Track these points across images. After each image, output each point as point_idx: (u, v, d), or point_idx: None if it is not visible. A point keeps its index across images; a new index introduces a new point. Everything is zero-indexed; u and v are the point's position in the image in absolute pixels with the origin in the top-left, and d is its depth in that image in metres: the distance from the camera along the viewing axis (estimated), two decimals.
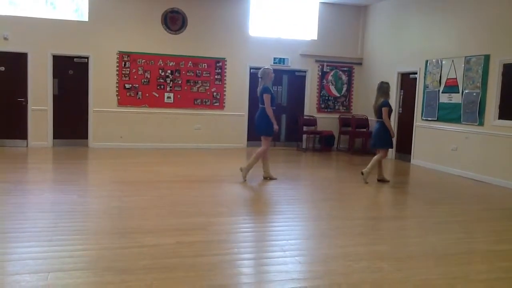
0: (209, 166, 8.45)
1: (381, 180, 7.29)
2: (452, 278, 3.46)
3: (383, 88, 7.18)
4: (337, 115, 11.59)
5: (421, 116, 9.36)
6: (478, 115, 7.93)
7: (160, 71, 10.39)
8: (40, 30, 9.63)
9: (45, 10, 9.76)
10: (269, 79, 6.81)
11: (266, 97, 6.64)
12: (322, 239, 4.36)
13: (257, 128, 6.90)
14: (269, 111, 6.67)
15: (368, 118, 11.15)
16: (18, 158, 8.56)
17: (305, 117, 11.36)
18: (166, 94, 10.46)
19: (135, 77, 10.26)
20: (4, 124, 9.69)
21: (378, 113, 7.13)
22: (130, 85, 10.25)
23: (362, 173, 7.08)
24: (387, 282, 3.35)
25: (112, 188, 6.21)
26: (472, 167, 8.04)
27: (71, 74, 10.08)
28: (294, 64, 11.29)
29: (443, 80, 8.77)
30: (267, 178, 7.05)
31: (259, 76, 6.90)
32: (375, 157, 7.19)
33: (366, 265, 3.65)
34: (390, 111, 7.13)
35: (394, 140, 10.13)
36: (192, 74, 10.60)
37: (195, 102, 10.67)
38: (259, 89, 6.85)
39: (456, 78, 8.47)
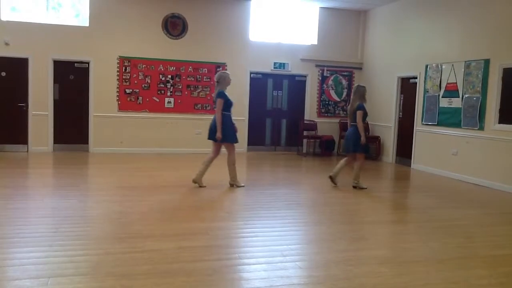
0: (209, 171, 8.43)
1: (332, 178, 7.11)
2: (453, 283, 3.46)
3: (360, 92, 6.98)
4: (337, 120, 11.60)
5: (421, 121, 9.37)
6: (478, 120, 7.94)
7: (160, 76, 10.41)
8: (41, 35, 9.66)
9: (46, 15, 9.80)
10: (226, 83, 6.54)
11: (219, 102, 6.36)
12: (322, 243, 4.35)
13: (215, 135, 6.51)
14: (218, 117, 6.37)
15: (368, 122, 11.15)
16: (19, 163, 8.56)
17: (305, 122, 11.37)
18: (166, 99, 10.48)
19: (136, 82, 10.29)
20: (5, 129, 9.70)
21: (353, 116, 6.97)
22: (131, 90, 10.27)
23: (331, 177, 7.06)
24: (388, 286, 3.35)
25: (112, 193, 6.21)
26: (472, 172, 8.04)
27: (71, 79, 10.10)
28: (294, 68, 11.31)
29: (443, 85, 8.79)
30: (233, 185, 6.75)
31: (215, 80, 6.62)
32: (344, 160, 7.13)
33: (366, 270, 3.64)
34: (364, 115, 6.95)
35: (394, 144, 10.22)
36: (193, 79, 10.63)
37: (196, 107, 10.68)
38: (214, 94, 6.63)
39: (456, 83, 8.48)
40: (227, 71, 6.86)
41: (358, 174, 7.06)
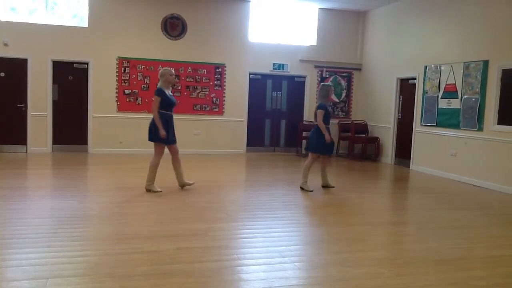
0: (208, 172, 8.45)
1: (326, 186, 7.02)
2: (452, 284, 3.46)
3: (323, 91, 6.83)
4: (336, 121, 11.58)
5: (420, 122, 9.38)
6: (477, 121, 7.94)
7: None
8: (40, 36, 9.66)
9: (45, 16, 9.80)
10: (166, 80, 6.16)
11: (155, 100, 6.07)
12: (321, 245, 4.36)
13: (150, 134, 6.21)
14: (155, 115, 6.05)
15: (368, 123, 11.17)
16: (18, 164, 8.56)
17: (304, 123, 11.36)
18: None
19: (135, 82, 10.29)
20: (4, 130, 9.69)
21: (315, 116, 6.80)
22: (130, 91, 10.27)
23: (324, 186, 6.91)
24: None
25: (111, 194, 6.21)
26: (471, 173, 8.05)
27: (71, 79, 10.10)
28: (293, 69, 11.32)
29: (442, 86, 8.80)
30: (184, 186, 6.55)
31: (158, 76, 6.29)
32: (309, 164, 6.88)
33: (365, 271, 3.65)
34: (326, 114, 6.72)
35: (393, 145, 10.22)
36: (192, 80, 10.63)
37: (195, 108, 10.69)
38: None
39: (455, 84, 8.49)
40: (169, 68, 6.40)
41: (306, 174, 6.86)
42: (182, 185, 6.58)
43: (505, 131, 7.42)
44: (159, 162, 6.33)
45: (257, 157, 10.75)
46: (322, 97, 6.85)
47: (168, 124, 6.19)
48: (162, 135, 6.07)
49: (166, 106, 6.15)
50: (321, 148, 6.77)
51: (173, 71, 6.34)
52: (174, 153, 6.46)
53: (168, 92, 6.25)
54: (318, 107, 6.77)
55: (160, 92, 6.14)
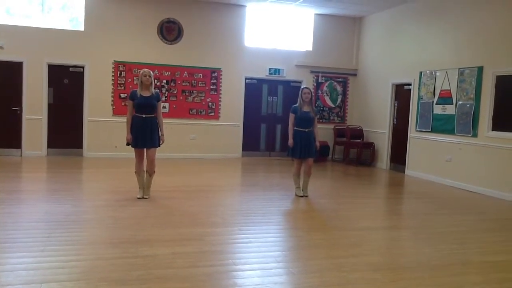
0: (204, 176, 8.44)
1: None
2: None
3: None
4: (332, 126, 11.62)
5: (415, 127, 9.41)
6: (471, 127, 7.98)
7: (155, 81, 10.39)
8: (35, 39, 9.64)
9: (41, 19, 9.78)
10: (140, 82, 6.11)
11: (128, 104, 6.18)
12: (316, 249, 4.35)
13: None
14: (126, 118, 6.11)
15: (363, 128, 11.20)
16: (12, 167, 8.52)
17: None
18: (161, 104, 10.44)
19: (131, 86, 10.24)
20: None
21: None
22: (126, 95, 10.23)
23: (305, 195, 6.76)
24: None
25: (106, 198, 6.19)
26: (466, 178, 8.08)
27: (66, 83, 10.07)
28: (289, 74, 11.34)
29: (437, 92, 8.84)
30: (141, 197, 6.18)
31: None
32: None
33: (360, 276, 3.65)
34: (297, 118, 6.69)
35: (388, 151, 10.25)
36: (188, 84, 10.63)
37: (191, 112, 10.68)
38: None
39: (450, 90, 8.54)
40: (147, 69, 6.24)
41: (295, 179, 6.90)
42: (141, 196, 6.19)
43: (500, 137, 7.46)
44: (138, 167, 6.22)
45: (253, 161, 10.75)
46: (298, 100, 6.82)
47: (139, 128, 6.02)
48: (126, 139, 6.08)
49: (136, 109, 6.07)
50: (290, 151, 6.80)
51: (147, 72, 6.12)
52: (147, 159, 6.18)
53: (143, 93, 6.10)
54: (290, 111, 6.80)
55: (131, 95, 6.16)
